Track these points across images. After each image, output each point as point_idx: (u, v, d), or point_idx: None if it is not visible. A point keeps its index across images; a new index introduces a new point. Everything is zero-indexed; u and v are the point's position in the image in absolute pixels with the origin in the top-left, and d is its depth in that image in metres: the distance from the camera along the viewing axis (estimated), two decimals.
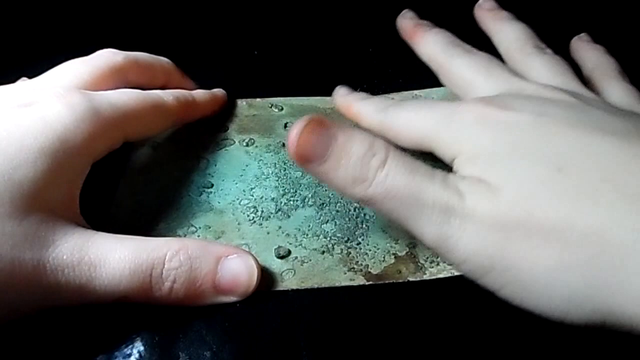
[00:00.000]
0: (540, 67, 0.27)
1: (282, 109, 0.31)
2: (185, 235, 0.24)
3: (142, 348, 0.21)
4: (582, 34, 0.32)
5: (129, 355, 0.21)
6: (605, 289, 0.17)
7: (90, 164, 0.23)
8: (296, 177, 0.27)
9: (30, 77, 0.25)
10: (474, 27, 0.32)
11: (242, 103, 0.31)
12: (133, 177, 0.27)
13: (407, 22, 0.31)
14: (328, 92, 0.32)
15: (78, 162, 0.22)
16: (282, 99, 0.31)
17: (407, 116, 0.25)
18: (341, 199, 0.26)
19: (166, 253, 0.21)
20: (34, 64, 0.26)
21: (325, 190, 0.26)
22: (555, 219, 0.18)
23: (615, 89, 0.27)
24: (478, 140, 0.22)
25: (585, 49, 0.31)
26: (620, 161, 0.19)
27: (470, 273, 0.20)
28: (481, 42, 0.29)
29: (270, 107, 0.31)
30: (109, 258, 0.20)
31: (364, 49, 0.35)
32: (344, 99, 0.30)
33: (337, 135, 0.20)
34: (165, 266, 0.20)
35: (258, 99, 0.31)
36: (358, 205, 0.26)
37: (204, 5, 0.38)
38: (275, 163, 0.28)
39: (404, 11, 0.32)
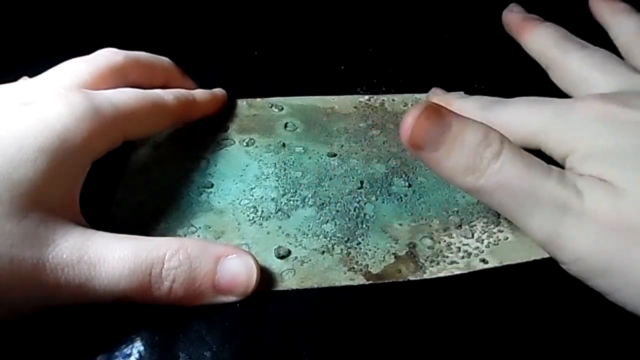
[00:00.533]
0: None
1: (282, 109, 0.31)
2: (185, 235, 0.24)
3: (142, 348, 0.21)
4: None
5: (129, 355, 0.21)
6: None
7: (90, 163, 0.23)
8: (296, 177, 0.27)
9: (31, 76, 0.25)
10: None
11: (242, 103, 0.31)
12: (133, 177, 0.27)
13: (514, 16, 0.30)
14: (328, 92, 0.32)
15: (78, 161, 0.22)
16: (282, 98, 0.31)
17: (514, 112, 0.24)
18: (341, 198, 0.26)
19: (165, 253, 0.21)
20: (35, 63, 0.26)
21: (325, 190, 0.26)
22: None
23: None
24: (598, 138, 0.21)
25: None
26: None
27: (580, 273, 0.20)
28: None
29: (271, 107, 0.31)
30: (109, 257, 0.20)
31: (364, 49, 0.35)
32: (441, 98, 0.29)
33: (451, 123, 0.20)
34: (165, 266, 0.20)
35: (258, 99, 0.31)
36: (358, 205, 0.26)
37: (204, 5, 0.38)
38: (275, 163, 0.28)
39: (510, 5, 0.31)
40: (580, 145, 0.21)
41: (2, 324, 0.19)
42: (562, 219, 0.19)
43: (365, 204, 0.26)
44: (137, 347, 0.21)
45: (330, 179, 0.27)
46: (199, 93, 0.29)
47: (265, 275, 0.23)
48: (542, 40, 0.28)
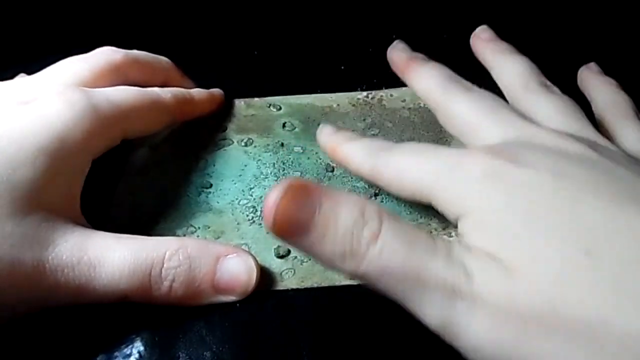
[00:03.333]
0: (548, 108, 0.24)
1: (280, 108, 0.31)
2: (184, 235, 0.24)
3: (142, 348, 0.21)
4: (591, 64, 0.30)
5: (129, 355, 0.21)
6: None
7: (90, 162, 0.23)
8: (295, 177, 0.27)
9: (30, 74, 0.25)
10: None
11: (240, 103, 0.31)
12: (132, 177, 0.27)
13: (398, 55, 0.28)
14: (328, 92, 0.32)
15: (78, 160, 0.22)
16: (280, 98, 0.31)
17: (402, 163, 0.22)
18: None
19: (165, 252, 0.21)
20: (34, 62, 0.26)
21: None
22: (585, 316, 0.15)
23: (632, 133, 0.24)
24: (486, 201, 0.19)
25: (595, 82, 0.28)
26: None
27: None
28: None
29: (269, 107, 0.31)
30: (108, 258, 0.20)
31: (364, 49, 0.35)
32: (329, 138, 0.26)
33: (321, 201, 0.18)
34: (165, 265, 0.20)
35: (256, 99, 0.31)
36: None
37: (204, 5, 0.38)
38: (274, 163, 0.28)
39: (394, 42, 0.29)
40: (470, 208, 0.19)
41: (2, 324, 0.19)
42: (453, 305, 0.17)
43: None
44: (137, 347, 0.21)
45: (329, 178, 0.27)
46: (197, 92, 0.29)
47: (265, 275, 0.23)
48: (425, 82, 0.26)
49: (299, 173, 0.27)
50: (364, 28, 0.36)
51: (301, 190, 0.17)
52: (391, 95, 0.31)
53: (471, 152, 0.21)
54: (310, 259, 0.24)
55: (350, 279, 0.20)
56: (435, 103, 0.25)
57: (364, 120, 0.30)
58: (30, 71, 0.25)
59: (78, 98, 0.22)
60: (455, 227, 0.20)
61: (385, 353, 0.21)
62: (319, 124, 0.30)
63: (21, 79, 0.25)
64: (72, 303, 0.20)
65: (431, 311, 0.17)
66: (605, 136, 0.23)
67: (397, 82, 0.32)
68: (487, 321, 0.16)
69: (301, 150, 0.28)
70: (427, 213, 0.25)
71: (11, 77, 0.26)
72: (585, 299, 0.15)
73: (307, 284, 0.23)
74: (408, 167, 0.22)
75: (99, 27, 0.36)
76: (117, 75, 0.26)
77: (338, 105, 0.31)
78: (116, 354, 0.21)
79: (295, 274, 0.23)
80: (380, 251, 0.17)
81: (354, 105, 0.31)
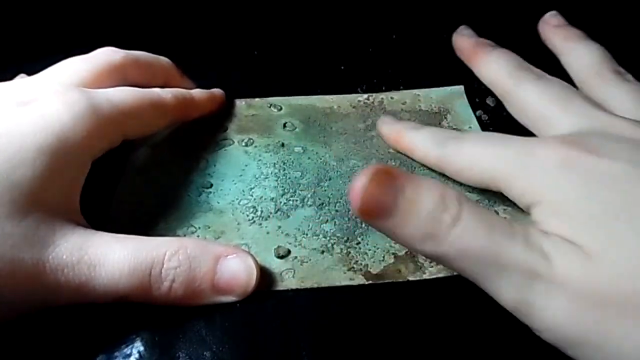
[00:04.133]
0: (622, 97, 0.24)
1: (281, 108, 0.31)
2: (184, 235, 0.24)
3: (142, 348, 0.21)
4: (549, 14, 0.30)
5: (129, 355, 0.21)
6: None
7: (90, 162, 0.23)
8: (295, 177, 0.27)
9: (30, 74, 0.25)
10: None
11: (241, 103, 0.31)
12: (133, 177, 0.27)
13: (465, 41, 0.28)
14: (328, 92, 0.32)
15: (77, 160, 0.22)
16: (281, 98, 0.31)
17: (472, 152, 0.23)
18: (340, 198, 0.26)
19: (165, 252, 0.21)
20: (34, 61, 0.26)
21: (325, 190, 0.26)
22: None
23: (627, 95, 0.24)
24: (564, 190, 0.19)
25: (561, 37, 0.29)
26: None
27: (555, 342, 0.18)
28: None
29: (269, 107, 0.31)
30: (108, 258, 0.20)
31: (364, 49, 0.35)
32: (393, 127, 0.27)
33: (404, 187, 0.18)
34: (164, 266, 0.20)
35: (257, 99, 0.31)
36: None
37: (204, 5, 0.38)
38: (274, 163, 0.28)
39: (460, 28, 0.29)
40: (545, 197, 0.20)
41: (2, 324, 0.19)
42: (531, 287, 0.18)
43: None
44: (137, 347, 0.21)
45: (330, 179, 0.27)
46: (197, 92, 0.29)
47: (265, 275, 0.23)
48: (494, 70, 0.26)
49: (300, 173, 0.27)
50: (364, 28, 0.36)
51: (386, 175, 0.18)
52: (392, 98, 0.31)
53: (545, 141, 0.21)
54: (310, 259, 0.24)
55: (428, 258, 0.21)
56: (504, 91, 0.25)
57: (364, 122, 0.30)
58: (30, 71, 0.25)
59: (78, 98, 0.22)
60: (525, 213, 0.21)
61: (385, 353, 0.21)
62: (319, 125, 0.30)
63: (21, 79, 0.25)
64: (72, 302, 0.20)
65: (508, 292, 0.18)
66: (588, 94, 0.24)
67: (397, 82, 0.32)
68: (566, 303, 0.17)
69: (302, 151, 0.28)
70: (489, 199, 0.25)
71: (11, 77, 0.26)
72: None
73: (307, 284, 0.23)
74: (480, 155, 0.22)
75: (99, 27, 0.36)
76: (116, 76, 0.26)
77: (339, 106, 0.31)
78: (116, 354, 0.21)
79: (295, 274, 0.23)
80: (461, 234, 0.18)
81: (354, 107, 0.31)
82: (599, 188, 0.19)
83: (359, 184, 0.18)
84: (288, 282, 0.23)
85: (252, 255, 0.22)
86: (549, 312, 0.18)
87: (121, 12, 0.38)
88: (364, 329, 0.21)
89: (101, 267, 0.20)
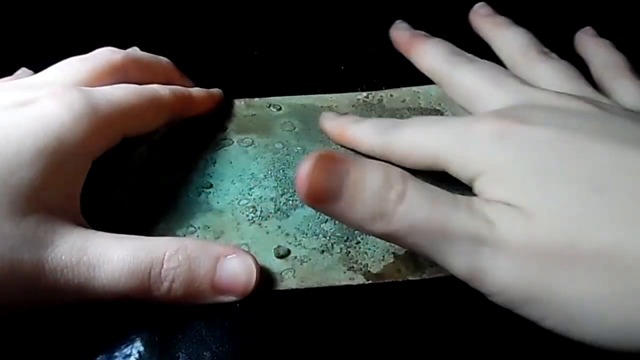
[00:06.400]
0: (549, 73, 0.25)
1: (280, 108, 0.31)
2: (184, 235, 0.24)
3: (142, 348, 0.21)
4: (587, 28, 0.31)
5: (129, 355, 0.21)
6: None
7: (90, 162, 0.23)
8: (295, 177, 0.27)
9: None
10: (469, 34, 0.31)
11: (240, 103, 0.31)
12: (132, 177, 0.27)
13: (401, 34, 0.30)
14: (328, 92, 0.32)
15: (77, 161, 0.22)
16: (280, 98, 0.31)
17: (413, 136, 0.23)
18: None
19: (165, 252, 0.21)
20: (34, 61, 0.26)
21: None
22: (602, 246, 0.17)
23: (629, 89, 0.26)
24: (500, 159, 0.20)
25: (591, 45, 0.30)
26: None
27: (507, 304, 0.19)
28: (478, 51, 0.28)
29: (269, 107, 0.31)
30: (108, 258, 0.20)
31: (364, 49, 0.35)
32: (335, 122, 0.28)
33: (349, 170, 0.19)
34: (164, 266, 0.20)
35: (256, 99, 0.31)
36: None
37: (204, 5, 0.38)
38: (274, 163, 0.28)
39: (396, 22, 0.31)
40: (484, 167, 0.21)
41: (2, 324, 0.19)
42: (478, 252, 0.18)
43: None
44: (137, 347, 0.21)
45: None
46: (196, 90, 0.29)
47: (265, 275, 0.23)
48: (430, 57, 0.27)
49: None
50: (364, 28, 0.36)
51: (330, 159, 0.19)
52: (391, 96, 0.31)
53: (479, 117, 0.22)
54: (310, 260, 0.24)
55: (379, 238, 0.21)
56: (441, 76, 0.27)
57: None
58: (33, 71, 0.25)
59: (77, 98, 0.22)
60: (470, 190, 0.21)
61: (385, 353, 0.21)
62: (319, 125, 0.30)
63: (20, 80, 0.25)
64: (71, 303, 0.20)
65: (459, 261, 0.19)
66: (604, 95, 0.25)
67: (396, 82, 0.32)
68: (511, 263, 0.18)
69: (301, 151, 0.28)
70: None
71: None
72: (600, 231, 0.17)
73: (307, 284, 0.23)
74: (420, 139, 0.23)
75: (99, 27, 0.36)
76: (116, 76, 0.26)
77: (338, 105, 0.31)
78: (116, 354, 0.21)
79: (295, 274, 0.23)
80: (407, 210, 0.18)
81: (354, 105, 0.31)
82: (532, 153, 0.20)
83: (304, 170, 0.18)
84: (288, 282, 0.23)
85: (252, 255, 0.22)
86: (496, 274, 0.18)
87: (121, 12, 0.38)
88: (364, 328, 0.21)
89: (101, 268, 0.20)
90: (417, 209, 0.19)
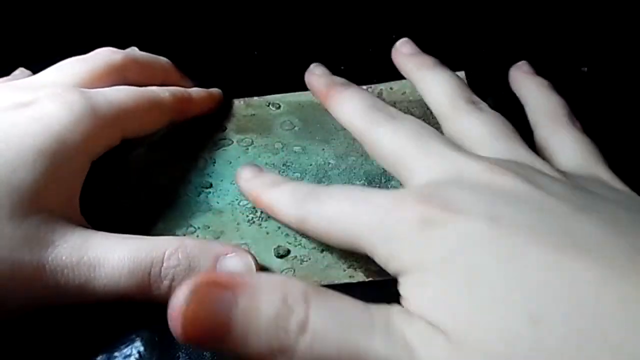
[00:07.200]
0: (478, 130, 0.22)
1: (279, 106, 0.31)
2: (184, 235, 0.24)
3: (142, 348, 0.21)
4: (522, 63, 0.28)
5: (129, 355, 0.21)
6: None
7: (90, 163, 0.23)
8: (295, 177, 0.27)
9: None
10: (469, 33, 0.29)
11: (239, 103, 0.31)
12: (132, 177, 0.27)
13: (316, 81, 0.27)
14: None
15: (77, 161, 0.22)
16: (278, 96, 0.31)
17: (331, 213, 0.20)
18: None
19: (164, 252, 0.21)
20: (34, 62, 0.26)
21: None
22: None
23: (566, 144, 0.23)
24: (425, 258, 0.17)
25: (527, 85, 0.27)
26: (603, 304, 0.14)
27: None
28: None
29: (268, 106, 0.31)
30: (108, 258, 0.20)
31: (364, 49, 0.35)
32: (250, 184, 0.24)
33: (237, 296, 0.16)
34: (164, 265, 0.20)
35: (255, 98, 0.31)
36: None
37: (204, 5, 0.38)
38: (273, 163, 0.28)
39: (311, 66, 0.28)
40: (406, 265, 0.18)
41: (2, 324, 0.20)
42: None
43: None
44: (137, 347, 0.21)
45: (329, 178, 0.27)
46: (196, 91, 0.29)
47: None
48: (348, 111, 0.24)
49: (299, 173, 0.27)
50: (364, 28, 0.36)
51: (211, 286, 0.16)
52: (391, 89, 0.31)
53: (402, 197, 0.19)
54: (310, 259, 0.24)
55: None
56: (359, 134, 0.23)
57: None
58: (30, 71, 0.25)
59: (76, 99, 0.22)
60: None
61: None
62: (318, 123, 0.30)
63: (20, 80, 0.25)
64: (72, 303, 0.20)
65: None
66: (540, 145, 0.23)
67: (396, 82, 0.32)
68: None
69: (301, 150, 0.28)
70: None
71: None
72: None
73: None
74: (338, 218, 0.20)
75: (99, 27, 0.36)
76: (116, 76, 0.26)
77: None
78: (116, 354, 0.21)
79: (295, 273, 0.23)
80: (312, 342, 0.16)
81: None
82: (457, 253, 0.17)
83: (177, 305, 0.15)
84: None
85: (251, 254, 0.22)
86: None
87: (121, 12, 0.38)
88: None
89: (101, 268, 0.20)
90: (323, 341, 0.16)
